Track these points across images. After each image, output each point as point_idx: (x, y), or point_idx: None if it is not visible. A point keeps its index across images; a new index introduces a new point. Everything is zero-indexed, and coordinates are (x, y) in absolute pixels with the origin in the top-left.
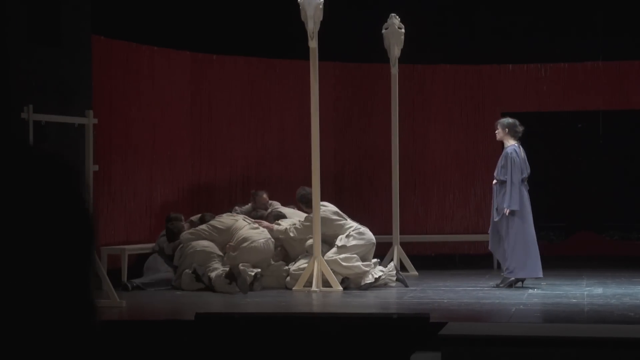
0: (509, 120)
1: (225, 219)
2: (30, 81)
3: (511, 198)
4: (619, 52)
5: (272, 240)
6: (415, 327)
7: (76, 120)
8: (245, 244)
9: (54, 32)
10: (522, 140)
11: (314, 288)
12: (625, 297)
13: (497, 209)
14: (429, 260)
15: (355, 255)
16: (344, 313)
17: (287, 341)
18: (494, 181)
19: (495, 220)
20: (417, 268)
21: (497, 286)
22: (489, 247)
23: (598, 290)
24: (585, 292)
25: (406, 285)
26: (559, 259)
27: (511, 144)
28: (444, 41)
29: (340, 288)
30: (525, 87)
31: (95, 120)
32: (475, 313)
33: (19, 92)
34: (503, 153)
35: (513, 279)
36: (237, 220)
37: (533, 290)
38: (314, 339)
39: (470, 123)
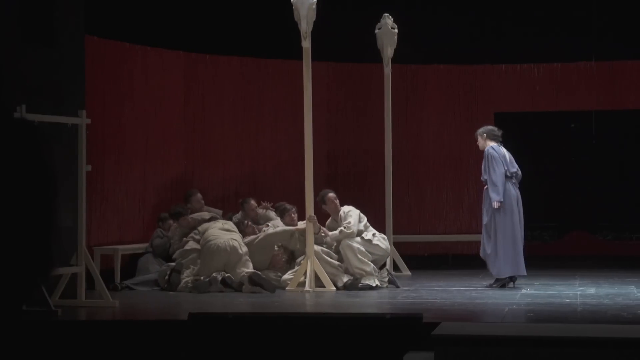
0: (486, 127)
1: (205, 225)
2: (23, 81)
3: (494, 191)
4: (612, 52)
5: (239, 243)
6: (408, 327)
7: (69, 120)
8: (205, 243)
9: (47, 31)
10: (516, 140)
11: (307, 288)
12: (618, 297)
13: (486, 211)
14: (422, 260)
15: (369, 255)
16: (337, 313)
17: (280, 341)
18: (485, 186)
19: (484, 223)
20: (410, 268)
21: (490, 286)
22: (481, 254)
23: (591, 290)
24: (578, 292)
25: (397, 286)
26: (552, 258)
27: (490, 145)
28: (437, 41)
29: (334, 288)
30: (518, 87)
31: (88, 120)
32: (469, 313)
33: (12, 91)
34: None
35: (506, 278)
36: (210, 223)
37: (526, 290)
38: (307, 339)
39: (463, 123)
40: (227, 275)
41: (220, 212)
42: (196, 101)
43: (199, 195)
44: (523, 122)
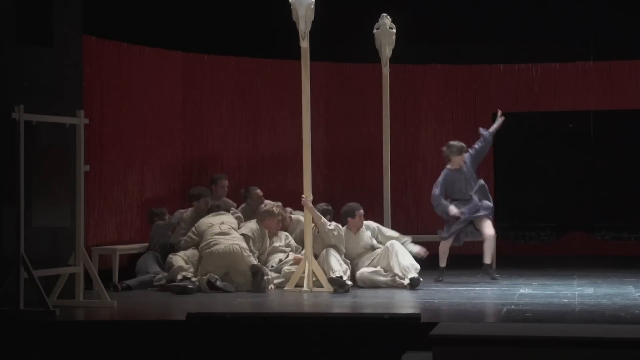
0: (457, 144)
1: (202, 223)
2: (21, 81)
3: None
4: (610, 52)
5: (240, 245)
6: (406, 327)
7: (67, 120)
8: (205, 247)
9: (45, 31)
10: (514, 140)
11: (305, 288)
12: (617, 297)
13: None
14: (420, 261)
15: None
16: (335, 313)
17: (278, 341)
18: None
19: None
20: None
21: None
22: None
23: (589, 290)
24: (577, 292)
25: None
26: (550, 259)
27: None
28: (435, 41)
29: (332, 288)
30: (516, 87)
31: (87, 120)
32: (467, 313)
33: (10, 92)
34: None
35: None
36: (212, 225)
37: (524, 290)
38: (305, 340)
39: (461, 123)
40: (214, 277)
41: (234, 204)
42: (194, 101)
43: (226, 182)
44: (521, 122)
